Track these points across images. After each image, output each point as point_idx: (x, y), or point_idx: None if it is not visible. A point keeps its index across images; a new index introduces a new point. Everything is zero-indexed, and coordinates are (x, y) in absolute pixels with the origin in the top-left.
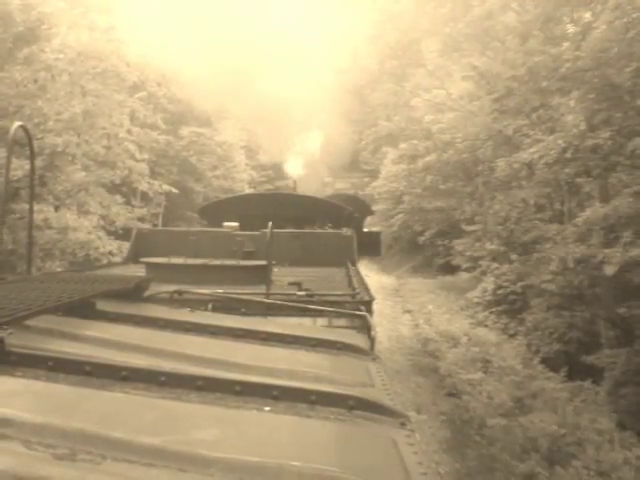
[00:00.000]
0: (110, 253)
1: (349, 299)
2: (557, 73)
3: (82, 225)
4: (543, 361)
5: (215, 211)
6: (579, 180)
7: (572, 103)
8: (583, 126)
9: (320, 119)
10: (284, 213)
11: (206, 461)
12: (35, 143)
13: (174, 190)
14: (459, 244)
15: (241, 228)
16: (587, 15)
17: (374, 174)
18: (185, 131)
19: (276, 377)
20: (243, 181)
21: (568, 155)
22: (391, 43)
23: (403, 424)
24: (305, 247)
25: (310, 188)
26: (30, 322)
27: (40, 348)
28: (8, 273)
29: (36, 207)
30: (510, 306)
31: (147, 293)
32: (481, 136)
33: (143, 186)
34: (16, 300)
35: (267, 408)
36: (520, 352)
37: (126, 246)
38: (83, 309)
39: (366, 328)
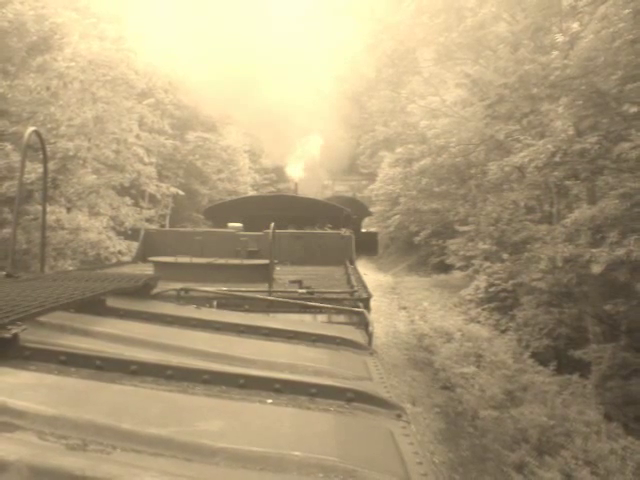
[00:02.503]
0: (119, 252)
1: (348, 296)
2: (546, 81)
3: (93, 226)
4: (533, 356)
5: (220, 212)
6: (567, 183)
7: (561, 109)
8: (571, 131)
9: (320, 124)
10: (286, 214)
11: (211, 451)
12: (48, 147)
13: (181, 192)
14: (453, 244)
15: (245, 229)
16: (575, 25)
17: (372, 177)
18: (191, 136)
19: (278, 371)
20: (246, 184)
21: (557, 159)
22: (388, 52)
23: (399, 416)
24: (306, 247)
25: (310, 190)
26: (43, 318)
27: (53, 343)
28: (22, 271)
29: (49, 208)
30: (501, 303)
31: (155, 291)
32: (474, 141)
33: (151, 188)
34: (30, 297)
35: (269, 400)
36: (511, 347)
37: (135, 246)
38: (94, 306)
39: (364, 324)
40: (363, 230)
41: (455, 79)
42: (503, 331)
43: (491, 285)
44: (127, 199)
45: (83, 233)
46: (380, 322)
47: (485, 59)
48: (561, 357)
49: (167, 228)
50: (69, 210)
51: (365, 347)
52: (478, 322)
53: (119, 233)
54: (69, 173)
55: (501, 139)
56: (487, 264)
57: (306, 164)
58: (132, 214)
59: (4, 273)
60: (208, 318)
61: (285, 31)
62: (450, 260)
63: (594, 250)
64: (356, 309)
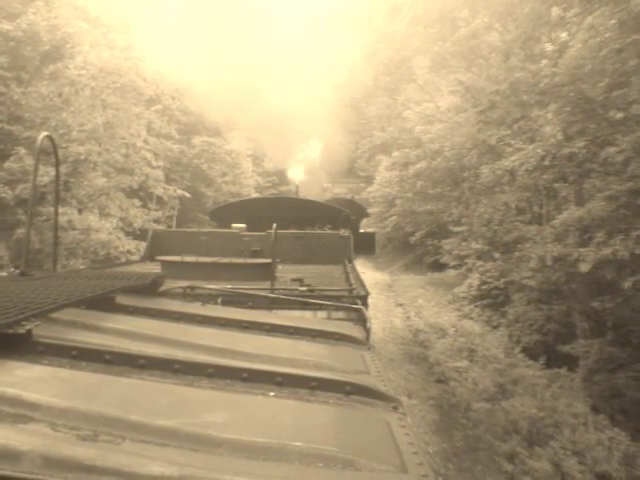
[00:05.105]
0: (128, 252)
1: (346, 294)
2: (536, 88)
3: (103, 226)
4: (523, 350)
5: (224, 213)
6: (556, 185)
7: (550, 115)
8: (560, 136)
9: (320, 130)
10: (287, 215)
11: (216, 442)
12: (60, 152)
13: (187, 194)
14: (447, 244)
15: (248, 229)
16: (563, 35)
17: (369, 180)
18: (197, 141)
19: (280, 365)
20: (250, 186)
21: (546, 163)
22: (385, 60)
23: (395, 408)
24: (306, 246)
25: (311, 193)
26: (55, 315)
27: (64, 338)
28: (36, 270)
29: (61, 210)
30: (493, 300)
31: (162, 288)
32: (467, 145)
33: (158, 191)
34: (43, 295)
35: (272, 393)
36: (502, 342)
37: (143, 245)
38: (104, 303)
39: (362, 320)
40: (361, 230)
41: (449, 86)
42: (495, 327)
43: (483, 283)
44: (136, 201)
45: (94, 233)
46: (377, 318)
47: (478, 67)
48: (550, 352)
49: (174, 229)
50: (80, 211)
51: (363, 342)
52: (471, 318)
53: (128, 233)
54: (80, 176)
55: (493, 144)
56: (480, 263)
57: (307, 167)
58: (140, 215)
59: (18, 272)
60: (213, 315)
61: (287, 41)
62: (444, 259)
63: (582, 250)
64: (354, 306)
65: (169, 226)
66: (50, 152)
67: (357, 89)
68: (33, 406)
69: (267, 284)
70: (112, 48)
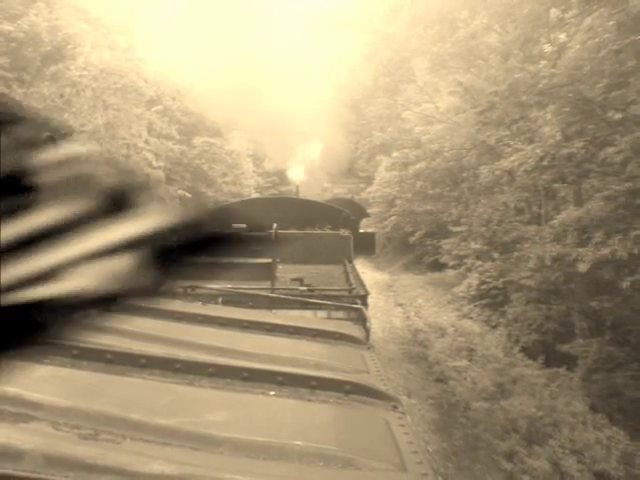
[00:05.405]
0: None
1: (346, 293)
2: (535, 88)
3: None
4: (522, 350)
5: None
6: (555, 185)
7: (549, 116)
8: (559, 137)
9: (320, 130)
10: (287, 215)
11: (216, 440)
12: None
13: (187, 195)
14: (446, 244)
15: (248, 229)
16: (562, 36)
17: (369, 180)
18: (197, 141)
19: (280, 364)
20: (250, 186)
21: (545, 163)
22: (384, 61)
23: (395, 407)
24: (306, 246)
25: (311, 193)
26: None
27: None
28: None
29: None
30: (492, 300)
31: (163, 288)
32: (466, 146)
33: (159, 191)
34: None
35: (272, 392)
36: (501, 342)
37: None
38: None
39: (362, 320)
40: (361, 230)
41: (448, 87)
42: (494, 326)
43: (482, 283)
44: None
45: None
46: (377, 318)
47: (477, 68)
48: (549, 351)
49: None
50: None
51: (363, 342)
52: (470, 318)
53: None
54: None
55: (492, 144)
56: (479, 263)
57: (307, 168)
58: None
59: None
60: (214, 314)
61: (287, 41)
62: (444, 259)
63: (580, 249)
64: (354, 305)
65: None
66: None
67: (357, 90)
68: (35, 405)
69: (267, 284)
70: (113, 49)
